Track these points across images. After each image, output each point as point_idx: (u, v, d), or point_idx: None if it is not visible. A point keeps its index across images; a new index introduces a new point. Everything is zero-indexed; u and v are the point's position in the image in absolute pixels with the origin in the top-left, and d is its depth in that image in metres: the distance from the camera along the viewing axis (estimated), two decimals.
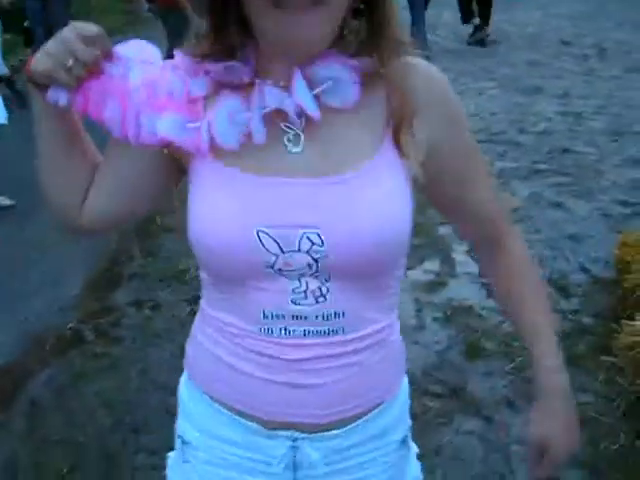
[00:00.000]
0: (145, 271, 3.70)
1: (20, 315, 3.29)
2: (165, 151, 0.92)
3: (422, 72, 0.94)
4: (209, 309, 1.02)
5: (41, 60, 0.87)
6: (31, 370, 2.89)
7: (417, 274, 3.47)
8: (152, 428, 2.49)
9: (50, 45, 0.87)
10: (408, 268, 3.36)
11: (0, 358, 2.97)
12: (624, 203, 4.32)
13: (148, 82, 0.90)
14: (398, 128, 0.90)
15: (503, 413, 2.56)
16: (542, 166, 4.97)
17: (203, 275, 1.02)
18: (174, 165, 0.96)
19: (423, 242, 3.76)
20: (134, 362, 2.92)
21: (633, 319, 2.61)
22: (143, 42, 0.94)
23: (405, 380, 1.12)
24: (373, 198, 0.88)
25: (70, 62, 0.85)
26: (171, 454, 1.16)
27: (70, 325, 3.21)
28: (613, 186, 4.59)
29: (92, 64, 0.87)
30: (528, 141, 5.51)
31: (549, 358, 1.06)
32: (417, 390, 2.66)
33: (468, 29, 9.44)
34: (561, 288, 3.39)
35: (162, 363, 2.79)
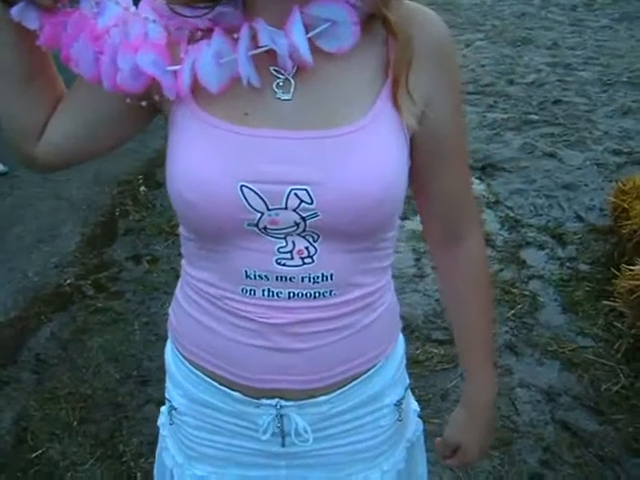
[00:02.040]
0: (141, 225, 3.68)
1: (17, 272, 3.27)
2: (128, 100, 0.83)
3: (425, 19, 0.86)
4: (189, 268, 0.96)
5: None
6: (33, 326, 2.88)
7: (415, 224, 3.47)
8: (159, 379, 2.50)
9: None
10: (406, 218, 3.38)
11: (1, 315, 2.96)
12: (617, 152, 4.34)
13: (123, 24, 0.82)
14: (397, 78, 0.82)
15: (506, 358, 2.60)
16: (534, 117, 4.97)
17: (182, 231, 0.95)
18: (141, 112, 0.87)
19: None
20: (136, 315, 2.92)
21: (633, 264, 2.64)
22: None
23: (400, 340, 1.07)
24: (368, 155, 0.81)
25: None
26: (163, 409, 1.12)
27: (69, 281, 3.20)
28: (605, 136, 4.61)
29: None
30: (518, 92, 5.49)
31: (479, 375, 1.06)
32: (420, 338, 2.70)
33: None
34: (557, 236, 3.42)
35: (164, 315, 2.79)
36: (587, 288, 3.00)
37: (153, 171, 3.87)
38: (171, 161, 0.85)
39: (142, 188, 4.03)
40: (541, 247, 3.36)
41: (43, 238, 3.55)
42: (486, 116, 4.96)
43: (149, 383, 2.52)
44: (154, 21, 0.82)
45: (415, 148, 0.88)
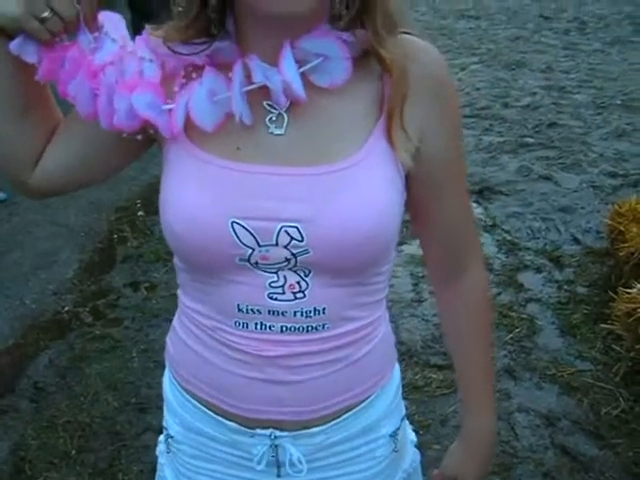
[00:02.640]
0: (139, 252, 3.68)
1: (15, 299, 3.27)
2: (124, 135, 0.83)
3: (421, 52, 0.86)
4: (184, 298, 0.96)
5: (10, 2, 0.77)
6: (31, 353, 2.87)
7: (413, 249, 3.48)
8: (158, 406, 2.48)
9: None
10: (404, 243, 3.39)
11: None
12: (612, 175, 4.37)
13: (119, 61, 0.82)
14: (391, 114, 0.82)
15: (504, 382, 2.60)
16: (529, 140, 5.01)
17: (177, 262, 0.95)
18: (136, 143, 0.87)
19: None
20: (135, 342, 2.92)
21: (630, 287, 2.65)
22: (117, 16, 0.86)
23: (396, 370, 1.06)
24: (360, 192, 0.80)
25: (47, 13, 0.77)
26: (161, 438, 1.13)
27: (67, 308, 3.20)
28: (600, 158, 4.64)
29: (70, 24, 0.79)
30: (514, 115, 5.54)
31: (478, 408, 1.05)
32: (419, 363, 2.69)
33: (444, 4, 9.46)
34: (555, 259, 3.43)
35: (162, 342, 2.78)
36: (585, 311, 3.00)
37: (151, 197, 3.86)
38: (164, 195, 0.86)
39: (140, 214, 4.04)
40: (538, 270, 3.36)
41: (41, 265, 3.55)
42: (482, 139, 4.99)
43: (148, 411, 2.51)
44: (150, 60, 0.82)
45: (411, 182, 0.88)
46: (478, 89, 6.21)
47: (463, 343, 1.04)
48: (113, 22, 0.84)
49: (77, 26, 0.80)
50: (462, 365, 1.05)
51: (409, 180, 0.88)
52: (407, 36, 0.86)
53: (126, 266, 3.57)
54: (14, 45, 0.80)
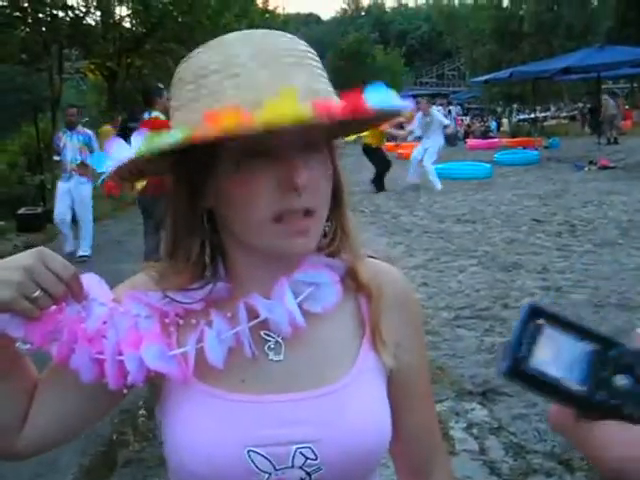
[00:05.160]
0: (141, 456, 3.61)
1: None
2: (125, 392, 0.88)
3: (389, 275, 0.99)
4: None
5: (1, 287, 0.79)
6: None
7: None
8: None
9: (11, 273, 0.80)
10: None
11: None
12: None
13: (113, 323, 0.86)
14: (374, 328, 0.92)
15: None
16: None
17: None
18: (116, 392, 0.89)
19: None
20: None
21: None
22: (96, 277, 0.90)
23: None
24: (361, 408, 0.89)
25: (37, 293, 0.80)
26: None
27: None
28: None
29: (58, 298, 0.83)
30: (514, 316, 5.64)
31: None
32: None
33: (442, 209, 9.99)
34: (564, 462, 3.35)
35: None
36: None
37: (153, 402, 3.89)
38: (174, 438, 0.89)
39: (142, 416, 4.01)
40: (549, 474, 3.28)
41: (41, 471, 3.47)
42: (484, 340, 5.06)
43: None
44: (147, 316, 0.88)
45: (390, 385, 0.96)
46: (477, 290, 6.37)
47: None
48: (95, 284, 0.89)
49: (64, 299, 0.84)
50: None
51: (389, 385, 0.96)
52: (375, 261, 1.00)
53: (127, 470, 3.49)
54: (1, 322, 0.82)
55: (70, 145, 8.46)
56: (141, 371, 0.85)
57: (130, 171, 0.88)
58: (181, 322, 0.89)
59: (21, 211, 9.73)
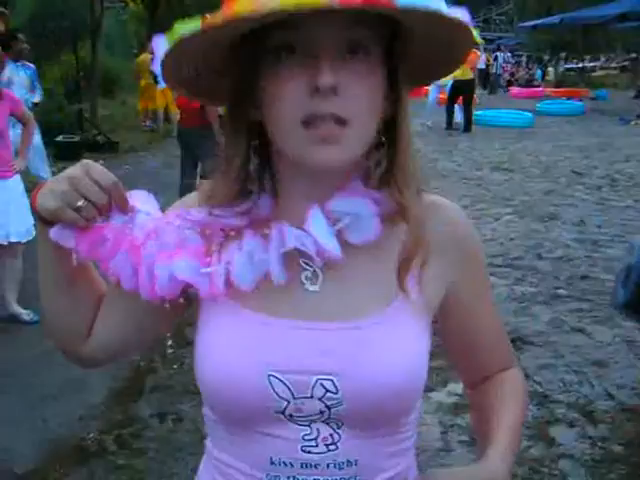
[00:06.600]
0: (168, 383, 3.69)
1: (40, 421, 3.26)
2: (166, 305, 0.88)
3: (447, 214, 0.94)
4: (214, 449, 0.96)
5: (47, 197, 0.83)
6: None
7: (441, 396, 3.44)
8: None
9: (57, 183, 0.83)
10: (432, 390, 3.36)
11: (19, 467, 2.92)
12: None
13: (156, 233, 0.87)
14: (405, 264, 0.87)
15: None
16: (562, 292, 5.01)
17: (207, 412, 0.96)
18: (176, 307, 0.91)
19: (446, 364, 3.74)
20: (157, 476, 2.87)
21: None
22: (145, 193, 0.93)
23: None
24: (392, 346, 0.86)
25: (81, 202, 0.82)
26: None
27: (92, 434, 3.18)
28: None
29: (103, 208, 0.85)
30: (546, 267, 5.58)
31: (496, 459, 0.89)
32: None
33: (480, 157, 9.82)
34: (588, 414, 3.35)
35: (185, 477, 2.74)
36: (621, 471, 2.89)
37: (182, 329, 3.93)
38: (201, 351, 0.90)
39: (170, 345, 4.08)
40: (571, 425, 3.28)
41: (69, 389, 3.57)
42: (514, 289, 5.02)
43: None
44: (190, 228, 0.88)
45: (443, 317, 0.95)
46: (512, 239, 6.30)
47: (495, 407, 0.97)
48: (143, 199, 0.91)
49: (109, 208, 0.86)
50: (490, 420, 0.96)
51: (442, 317, 0.95)
52: (435, 197, 0.95)
53: (154, 396, 3.58)
54: (53, 233, 0.86)
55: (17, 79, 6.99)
56: (172, 283, 0.85)
57: (187, 71, 0.85)
58: (222, 239, 0.88)
59: (59, 139, 9.77)
